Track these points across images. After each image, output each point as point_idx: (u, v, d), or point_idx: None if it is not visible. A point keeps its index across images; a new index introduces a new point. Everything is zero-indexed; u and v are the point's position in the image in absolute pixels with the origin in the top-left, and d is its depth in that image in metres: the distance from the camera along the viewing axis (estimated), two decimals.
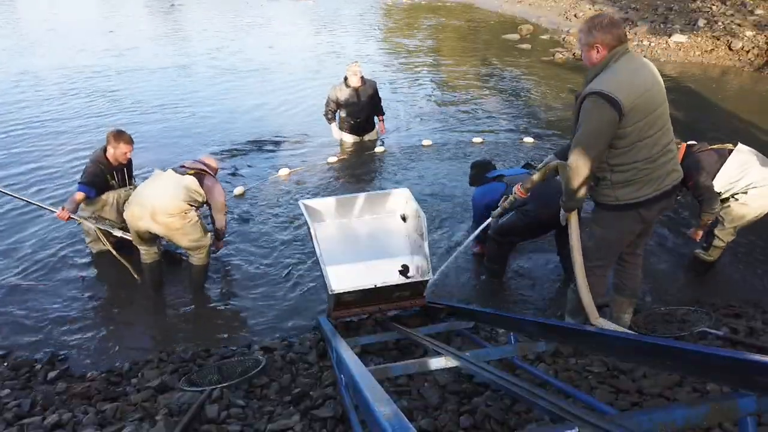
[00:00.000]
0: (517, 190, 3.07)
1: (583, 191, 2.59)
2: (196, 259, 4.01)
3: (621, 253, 2.96)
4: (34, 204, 4.42)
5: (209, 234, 4.06)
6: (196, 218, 3.88)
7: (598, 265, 2.83)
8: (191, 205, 3.81)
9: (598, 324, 2.61)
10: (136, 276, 4.12)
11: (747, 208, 3.68)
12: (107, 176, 4.22)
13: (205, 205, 3.96)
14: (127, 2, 22.40)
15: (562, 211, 2.79)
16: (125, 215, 3.84)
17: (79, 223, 4.24)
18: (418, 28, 16.23)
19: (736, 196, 3.67)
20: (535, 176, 2.89)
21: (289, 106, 8.68)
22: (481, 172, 4.25)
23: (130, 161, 4.41)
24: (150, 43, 14.25)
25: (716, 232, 3.82)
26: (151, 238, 3.92)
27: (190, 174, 3.83)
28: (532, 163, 4.44)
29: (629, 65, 2.48)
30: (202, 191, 3.84)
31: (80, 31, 15.79)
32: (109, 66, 11.33)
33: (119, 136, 4.18)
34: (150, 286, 4.12)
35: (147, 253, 4.00)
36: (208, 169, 4.04)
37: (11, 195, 4.49)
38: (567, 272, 4.08)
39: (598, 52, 2.50)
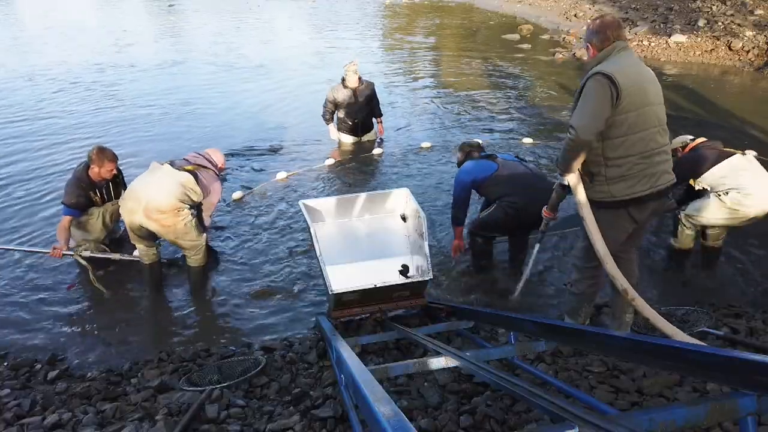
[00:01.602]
0: (544, 212, 3.23)
1: (575, 166, 2.66)
2: (193, 260, 3.97)
3: (616, 252, 2.95)
4: (24, 251, 4.36)
5: (204, 235, 4.01)
6: (190, 217, 3.80)
7: (593, 265, 2.83)
8: (184, 203, 3.72)
9: (626, 290, 2.61)
10: (104, 291, 4.01)
11: (720, 210, 3.71)
12: (90, 193, 4.11)
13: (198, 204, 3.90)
14: (125, 2, 22.41)
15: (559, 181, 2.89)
16: (121, 210, 3.77)
17: (74, 258, 4.06)
18: (417, 28, 16.23)
19: (717, 192, 3.69)
20: (554, 196, 3.07)
21: (288, 107, 8.67)
22: (469, 154, 4.14)
23: (117, 174, 4.29)
24: (147, 43, 14.26)
25: (681, 218, 3.92)
26: (149, 236, 3.85)
27: (188, 170, 3.77)
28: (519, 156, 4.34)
29: (627, 60, 2.61)
30: (198, 190, 3.77)
31: (78, 30, 15.79)
32: (105, 66, 11.34)
33: (102, 154, 4.04)
34: (149, 286, 4.09)
35: (146, 254, 3.96)
36: (210, 165, 3.98)
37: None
38: (512, 262, 4.20)
39: (590, 50, 2.71)
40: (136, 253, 4.07)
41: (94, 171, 4.08)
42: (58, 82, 9.97)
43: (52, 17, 18.52)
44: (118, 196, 4.30)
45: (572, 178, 2.71)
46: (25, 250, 4.39)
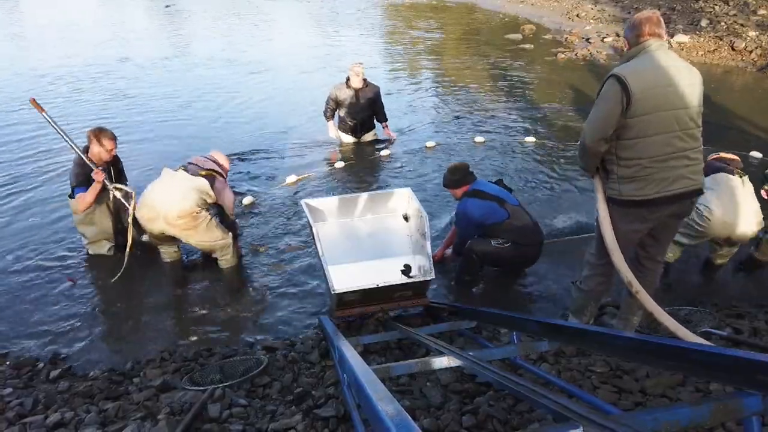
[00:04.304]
0: None
1: (591, 165, 2.72)
2: (223, 261, 4.03)
3: (639, 257, 2.92)
4: (77, 152, 4.03)
5: (229, 234, 4.04)
6: (209, 218, 3.84)
7: (605, 262, 2.82)
8: (201, 207, 3.78)
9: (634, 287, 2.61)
10: (115, 276, 4.01)
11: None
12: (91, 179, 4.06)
13: (215, 205, 3.98)
14: (122, 4, 22.46)
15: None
16: (137, 215, 3.80)
17: (112, 190, 4.00)
18: (419, 28, 16.22)
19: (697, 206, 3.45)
20: None
21: (291, 107, 8.66)
22: (462, 179, 4.01)
23: (116, 160, 4.27)
24: (147, 43, 14.27)
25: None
26: (169, 238, 3.89)
27: (202, 175, 3.81)
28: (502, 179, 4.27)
29: (656, 61, 2.52)
30: (212, 193, 3.84)
31: (78, 28, 15.82)
32: (108, 67, 11.35)
33: (101, 132, 4.02)
34: (171, 284, 4.12)
35: (167, 253, 4.01)
36: (220, 169, 4.02)
37: (63, 135, 4.03)
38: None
39: (626, 45, 2.69)
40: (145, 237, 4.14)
41: (94, 151, 4.05)
42: (57, 80, 9.99)
43: (54, 16, 18.56)
44: (122, 183, 4.31)
45: (591, 175, 2.79)
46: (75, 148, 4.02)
